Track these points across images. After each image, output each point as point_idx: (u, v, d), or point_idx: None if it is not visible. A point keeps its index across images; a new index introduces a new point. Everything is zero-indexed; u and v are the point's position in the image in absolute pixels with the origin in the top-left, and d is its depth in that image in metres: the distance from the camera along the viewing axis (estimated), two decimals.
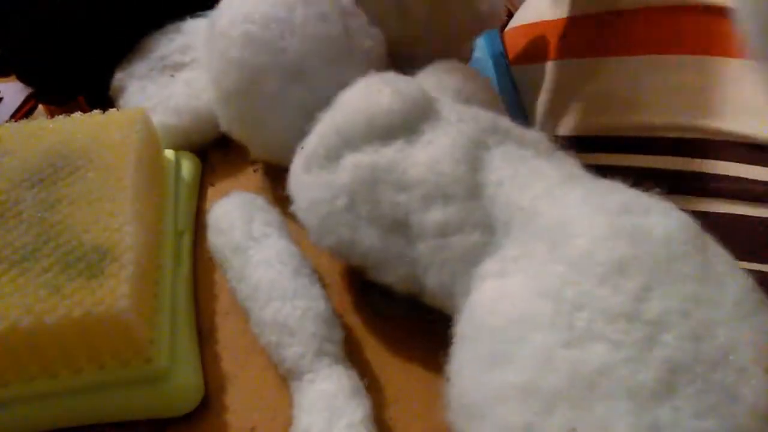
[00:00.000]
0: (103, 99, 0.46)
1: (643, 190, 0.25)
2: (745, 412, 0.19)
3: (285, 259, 0.31)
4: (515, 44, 0.51)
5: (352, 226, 0.29)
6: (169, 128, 0.42)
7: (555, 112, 0.45)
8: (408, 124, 0.29)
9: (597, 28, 0.44)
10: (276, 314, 0.29)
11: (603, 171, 0.28)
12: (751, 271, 0.23)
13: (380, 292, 0.30)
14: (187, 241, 0.37)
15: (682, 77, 0.39)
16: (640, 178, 0.25)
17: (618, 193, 0.25)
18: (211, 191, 0.41)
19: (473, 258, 0.26)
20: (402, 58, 0.38)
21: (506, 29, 0.53)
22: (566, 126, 0.44)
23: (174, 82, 0.44)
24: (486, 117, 0.30)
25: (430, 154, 0.27)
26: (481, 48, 0.51)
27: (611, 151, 0.41)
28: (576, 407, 0.20)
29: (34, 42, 0.44)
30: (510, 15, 0.53)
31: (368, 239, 0.28)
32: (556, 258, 0.23)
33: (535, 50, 0.48)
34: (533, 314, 0.22)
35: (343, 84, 0.31)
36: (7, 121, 0.50)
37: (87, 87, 0.46)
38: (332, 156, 0.30)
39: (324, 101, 0.32)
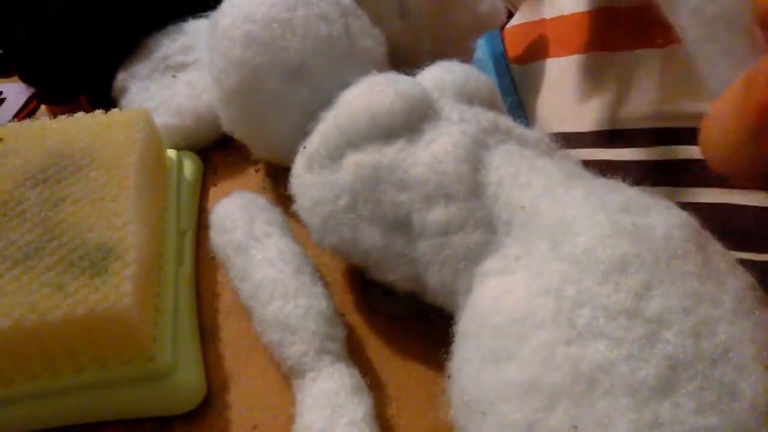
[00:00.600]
0: (105, 99, 0.46)
1: (642, 184, 0.25)
2: (745, 408, 0.19)
3: (287, 258, 0.31)
4: (515, 44, 0.51)
5: (354, 226, 0.29)
6: (171, 128, 0.42)
7: (555, 112, 0.45)
8: (409, 123, 0.29)
9: (596, 25, 0.44)
10: (278, 313, 0.29)
11: (602, 166, 0.28)
12: (744, 261, 0.23)
13: (382, 291, 0.31)
14: (189, 240, 0.37)
15: (672, 67, 0.39)
16: (640, 172, 0.25)
17: (619, 192, 0.25)
18: (213, 191, 0.41)
19: (475, 257, 0.26)
20: (403, 58, 0.38)
21: (506, 29, 0.53)
22: (566, 124, 0.44)
23: (176, 82, 0.44)
24: (487, 116, 0.30)
25: (431, 153, 0.28)
26: (481, 48, 0.51)
27: (612, 146, 0.41)
28: (577, 404, 0.20)
29: (36, 42, 0.44)
30: (510, 15, 0.53)
31: (370, 238, 0.29)
32: (558, 256, 0.23)
33: (535, 50, 0.48)
34: (535, 312, 0.22)
35: (344, 84, 0.32)
36: (9, 121, 0.50)
37: (89, 87, 0.46)
38: (334, 155, 0.30)
39: (325, 101, 0.32)
